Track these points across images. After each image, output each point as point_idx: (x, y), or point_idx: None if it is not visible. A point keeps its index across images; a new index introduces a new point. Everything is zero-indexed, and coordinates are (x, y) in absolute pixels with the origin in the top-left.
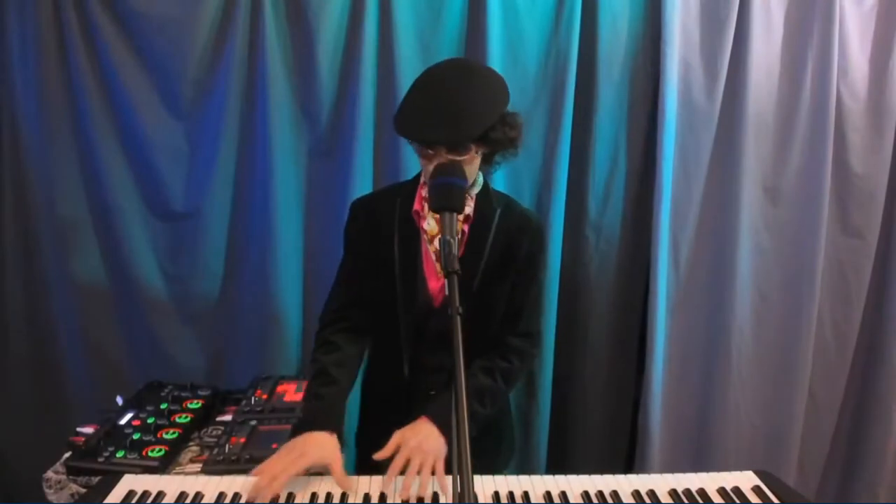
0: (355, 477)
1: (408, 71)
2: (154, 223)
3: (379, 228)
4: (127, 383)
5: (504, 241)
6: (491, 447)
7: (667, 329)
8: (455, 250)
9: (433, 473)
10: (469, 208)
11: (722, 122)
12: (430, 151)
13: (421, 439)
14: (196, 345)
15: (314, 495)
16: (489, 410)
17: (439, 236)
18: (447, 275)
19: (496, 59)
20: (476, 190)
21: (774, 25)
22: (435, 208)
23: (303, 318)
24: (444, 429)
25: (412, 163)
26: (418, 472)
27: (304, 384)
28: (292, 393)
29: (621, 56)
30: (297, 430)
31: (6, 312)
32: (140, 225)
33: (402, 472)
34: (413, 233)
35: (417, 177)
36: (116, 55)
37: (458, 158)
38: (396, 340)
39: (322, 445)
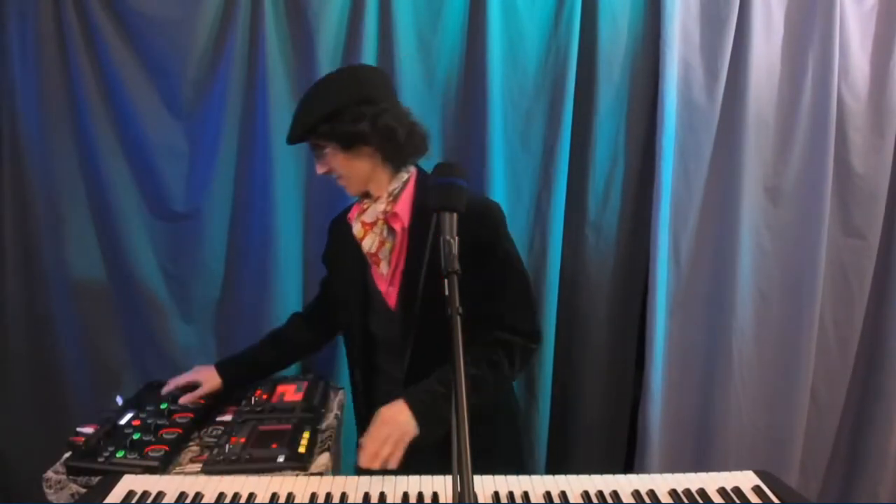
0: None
1: (408, 71)
2: (154, 223)
3: (340, 244)
4: (127, 383)
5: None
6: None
7: (667, 329)
8: (455, 250)
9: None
10: (386, 204)
11: (722, 122)
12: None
13: (393, 413)
14: (196, 345)
15: (314, 495)
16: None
17: (366, 239)
18: (447, 275)
19: (496, 59)
20: (395, 186)
21: (775, 25)
22: (435, 208)
23: None
24: (415, 407)
25: None
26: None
27: (305, 384)
28: (292, 393)
29: (621, 56)
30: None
31: (6, 313)
32: (140, 225)
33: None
34: (355, 244)
35: None
36: (116, 55)
37: (321, 155)
38: (353, 349)
39: (200, 372)
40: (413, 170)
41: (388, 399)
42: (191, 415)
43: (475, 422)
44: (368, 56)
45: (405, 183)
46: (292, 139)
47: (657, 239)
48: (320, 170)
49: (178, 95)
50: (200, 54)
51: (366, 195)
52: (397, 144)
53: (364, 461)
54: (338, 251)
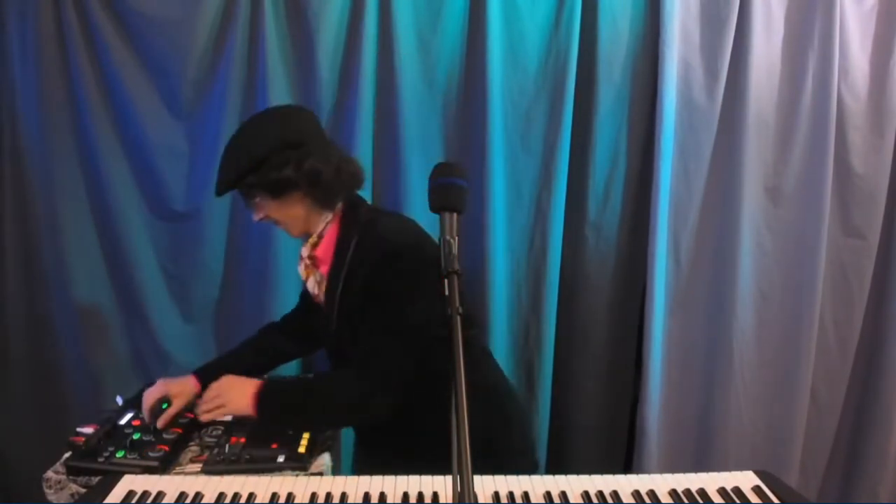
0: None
1: (408, 71)
2: (154, 223)
3: None
4: (127, 383)
5: (358, 274)
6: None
7: (667, 329)
8: (455, 250)
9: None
10: (309, 249)
11: (722, 122)
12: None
13: (222, 387)
14: (196, 344)
15: (314, 495)
16: (305, 407)
17: (309, 280)
18: (448, 275)
19: (496, 59)
20: (318, 228)
21: (775, 25)
22: (435, 208)
23: None
24: (264, 401)
25: (412, 162)
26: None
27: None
28: None
29: (621, 56)
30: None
31: (6, 312)
32: (140, 225)
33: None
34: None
35: None
36: (116, 55)
37: (252, 203)
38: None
39: (181, 385)
40: (340, 205)
41: None
42: (191, 415)
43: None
44: (368, 56)
45: (328, 223)
46: (219, 191)
47: (657, 239)
48: (256, 217)
49: (178, 95)
50: (200, 54)
51: (308, 235)
52: (325, 185)
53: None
54: None
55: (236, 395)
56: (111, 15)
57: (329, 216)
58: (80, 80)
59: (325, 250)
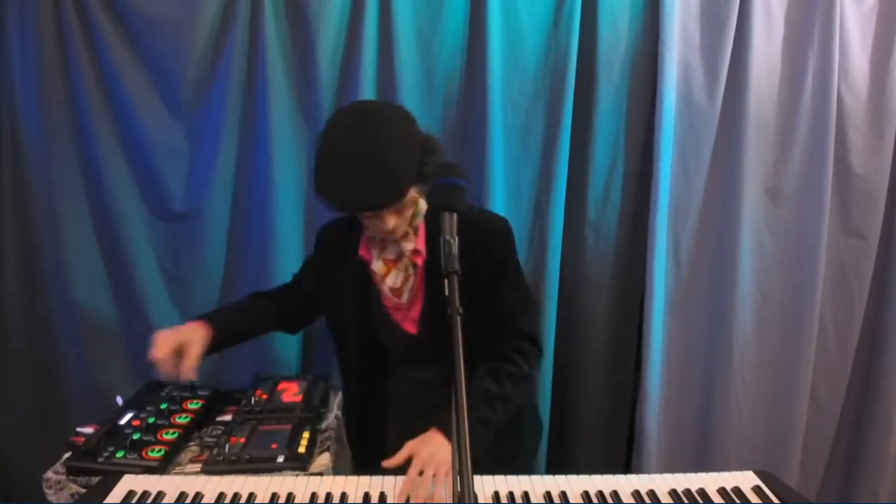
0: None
1: (408, 71)
2: (154, 223)
3: (334, 258)
4: (127, 383)
5: (467, 259)
6: (514, 435)
7: (666, 329)
8: (455, 250)
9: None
10: (413, 243)
11: (722, 122)
12: (369, 213)
13: (433, 449)
14: None
15: (314, 495)
16: (501, 415)
17: (390, 275)
18: (447, 275)
19: (496, 59)
20: (419, 220)
21: (775, 25)
22: (435, 208)
23: None
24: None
25: None
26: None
27: (305, 384)
28: (292, 393)
29: (621, 56)
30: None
31: (6, 312)
32: (140, 225)
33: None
34: (364, 274)
35: None
36: (116, 55)
37: (399, 209)
38: (361, 359)
39: (191, 328)
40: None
41: (413, 402)
42: (191, 415)
43: (501, 433)
44: (368, 56)
45: (423, 215)
46: (377, 207)
47: (656, 239)
48: (390, 225)
49: (178, 95)
50: (200, 54)
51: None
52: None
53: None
54: (332, 268)
55: (441, 451)
56: (111, 15)
57: (423, 208)
58: (80, 80)
59: (421, 242)
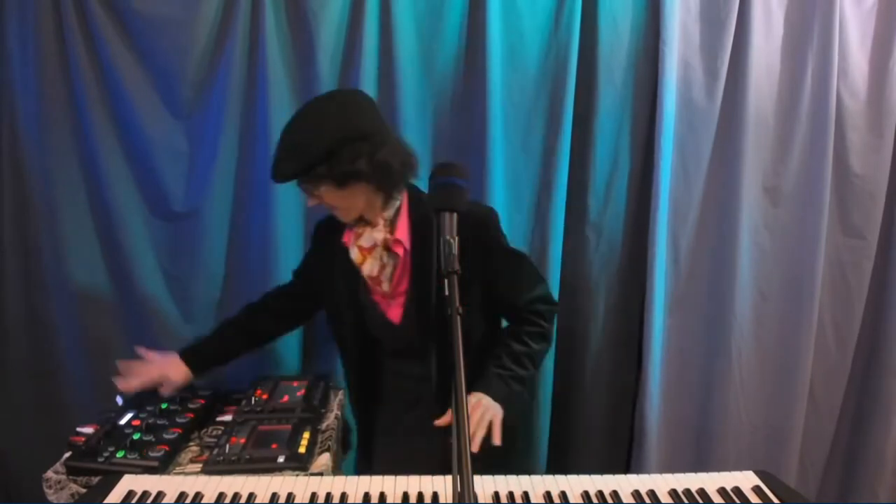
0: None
1: (408, 71)
2: (154, 223)
3: (328, 253)
4: None
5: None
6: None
7: (666, 329)
8: (455, 250)
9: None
10: (384, 233)
11: (722, 122)
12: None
13: (483, 402)
14: None
15: (314, 495)
16: (532, 371)
17: (366, 263)
18: (447, 275)
19: (496, 59)
20: (389, 213)
21: (774, 25)
22: (435, 208)
23: None
24: (500, 400)
25: None
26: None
27: (305, 384)
28: (292, 393)
29: (621, 56)
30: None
31: (6, 313)
32: (140, 225)
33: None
34: (351, 264)
35: None
36: (116, 55)
37: (316, 194)
38: (353, 349)
39: (171, 363)
40: (404, 190)
41: (402, 394)
42: (191, 415)
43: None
44: (368, 56)
45: (399, 208)
46: (282, 179)
47: (656, 239)
48: (311, 203)
49: (178, 95)
50: (200, 54)
51: (360, 220)
52: (393, 177)
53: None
54: (324, 258)
55: (490, 403)
56: (111, 15)
57: (397, 202)
58: (80, 80)
59: (402, 233)
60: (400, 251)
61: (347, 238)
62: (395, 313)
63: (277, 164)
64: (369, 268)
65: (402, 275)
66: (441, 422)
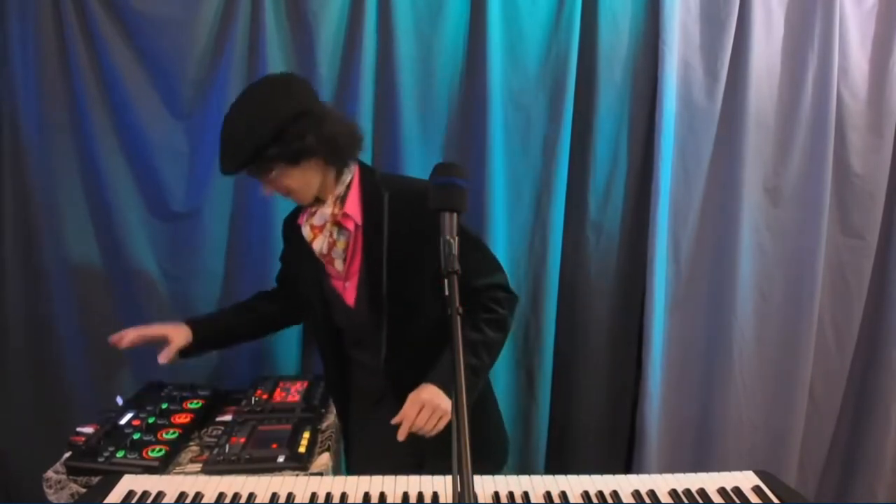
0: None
1: (408, 71)
2: (154, 223)
3: (295, 244)
4: (127, 383)
5: (404, 227)
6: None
7: (666, 329)
8: (455, 250)
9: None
10: (332, 207)
11: (722, 122)
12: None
13: (431, 396)
14: None
15: (314, 495)
16: (487, 361)
17: (316, 240)
18: (447, 275)
19: (496, 58)
20: (340, 190)
21: (774, 25)
22: (434, 208)
23: None
24: (447, 389)
25: (412, 162)
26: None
27: (305, 384)
28: (292, 393)
29: (621, 56)
30: None
31: (6, 313)
32: (140, 225)
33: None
34: (307, 245)
35: None
36: (116, 55)
37: (268, 179)
38: (320, 342)
39: (172, 325)
40: (354, 167)
41: (365, 388)
42: (191, 415)
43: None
44: (368, 56)
45: (349, 184)
46: (235, 166)
47: (656, 239)
48: (268, 192)
49: (178, 95)
50: (200, 54)
51: (316, 200)
52: (342, 148)
53: (401, 432)
54: (293, 251)
55: (442, 401)
56: (111, 15)
57: (349, 177)
58: (80, 80)
59: (352, 208)
60: (350, 226)
61: (301, 219)
62: (350, 296)
63: (226, 154)
64: (319, 244)
65: (353, 253)
66: (395, 420)
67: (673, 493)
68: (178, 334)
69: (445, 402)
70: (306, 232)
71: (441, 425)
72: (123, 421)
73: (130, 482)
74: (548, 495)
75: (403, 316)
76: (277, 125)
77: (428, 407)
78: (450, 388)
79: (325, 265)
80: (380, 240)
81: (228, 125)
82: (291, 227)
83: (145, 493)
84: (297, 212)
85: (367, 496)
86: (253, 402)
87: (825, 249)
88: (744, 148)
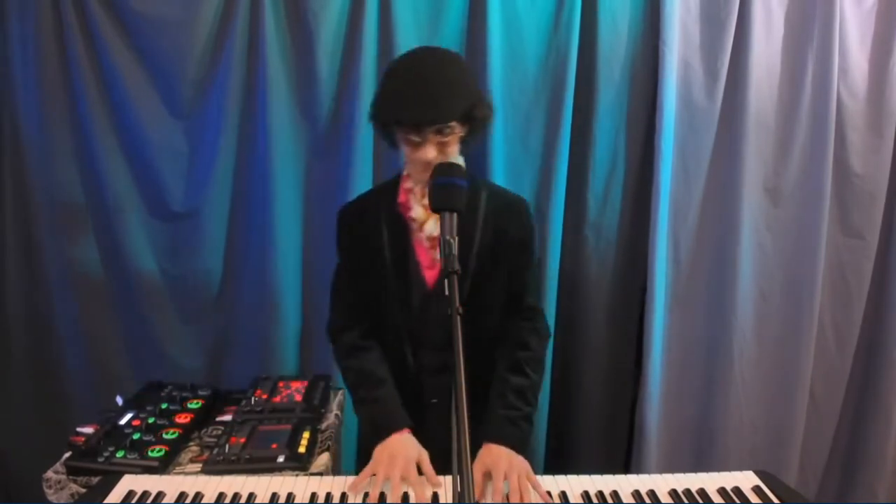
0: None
1: None
2: (153, 223)
3: (367, 231)
4: (127, 383)
5: (494, 225)
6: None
7: (667, 329)
8: (455, 250)
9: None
10: None
11: (722, 122)
12: (416, 138)
13: (510, 460)
14: (196, 345)
15: (314, 495)
16: (535, 405)
17: (429, 221)
18: (447, 275)
19: (496, 59)
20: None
21: (774, 25)
22: (435, 208)
23: (302, 318)
24: (517, 447)
25: None
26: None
27: (305, 384)
28: (292, 393)
29: (621, 56)
30: (375, 437)
31: (6, 313)
32: (139, 225)
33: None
34: (402, 227)
35: (397, 176)
36: (116, 55)
37: (444, 139)
38: (398, 338)
39: (408, 445)
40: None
41: (435, 371)
42: (191, 415)
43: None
44: (368, 56)
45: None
46: (449, 116)
47: (657, 239)
48: (431, 155)
49: (178, 95)
50: (200, 54)
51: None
52: (476, 137)
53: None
54: (360, 239)
55: (516, 460)
56: (111, 15)
57: (462, 163)
58: (80, 80)
59: None
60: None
61: (404, 197)
62: (431, 275)
63: (441, 101)
64: (432, 227)
65: None
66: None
67: (673, 493)
68: (415, 447)
69: (519, 461)
70: (418, 213)
71: (531, 481)
72: (123, 421)
73: (130, 482)
74: (548, 495)
75: (475, 312)
76: (478, 89)
77: (513, 475)
78: (517, 448)
79: (417, 250)
80: (474, 232)
81: (438, 73)
82: (359, 216)
83: (145, 494)
84: (356, 203)
85: (367, 496)
86: (253, 402)
87: (825, 249)
88: (744, 148)
